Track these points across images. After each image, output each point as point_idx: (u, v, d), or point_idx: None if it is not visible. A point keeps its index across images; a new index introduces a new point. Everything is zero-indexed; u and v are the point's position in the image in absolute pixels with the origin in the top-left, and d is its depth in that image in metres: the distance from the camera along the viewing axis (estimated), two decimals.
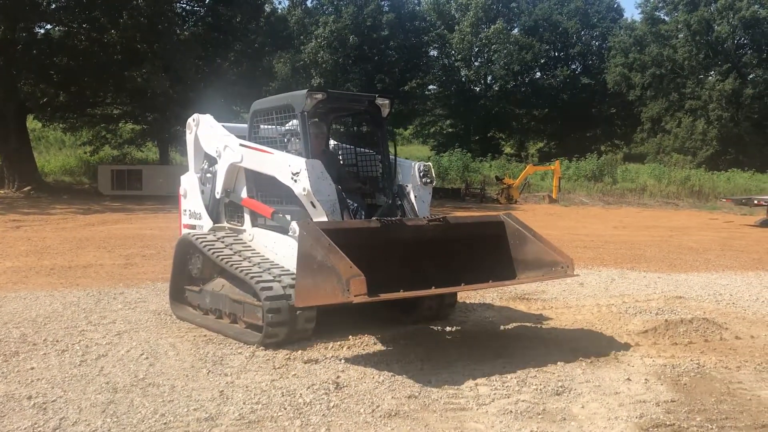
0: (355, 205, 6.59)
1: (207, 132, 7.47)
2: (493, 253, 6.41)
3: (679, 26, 48.46)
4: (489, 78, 56.54)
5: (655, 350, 6.13)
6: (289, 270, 6.03)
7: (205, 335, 6.37)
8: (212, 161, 7.43)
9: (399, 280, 5.42)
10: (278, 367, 5.38)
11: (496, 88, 56.31)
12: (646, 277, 10.56)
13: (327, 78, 44.09)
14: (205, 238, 6.88)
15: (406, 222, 6.06)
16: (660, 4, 51.43)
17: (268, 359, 5.60)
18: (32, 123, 35.89)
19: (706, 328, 6.81)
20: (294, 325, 5.86)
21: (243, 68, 34.94)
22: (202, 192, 7.59)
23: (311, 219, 5.93)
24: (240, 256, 6.44)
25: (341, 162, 7.38)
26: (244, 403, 4.58)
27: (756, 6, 45.48)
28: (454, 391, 4.89)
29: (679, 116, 48.06)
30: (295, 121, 6.64)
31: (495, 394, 4.85)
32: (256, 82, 35.21)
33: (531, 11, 57.70)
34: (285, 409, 4.50)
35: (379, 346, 6.05)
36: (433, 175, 6.92)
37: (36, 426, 4.16)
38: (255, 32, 35.03)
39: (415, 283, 5.60)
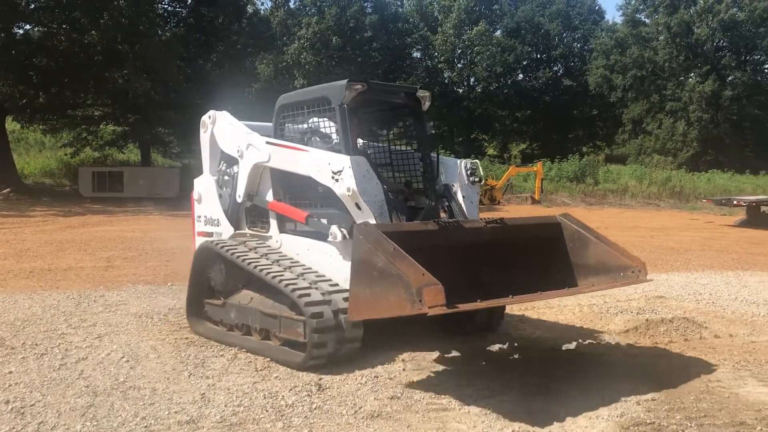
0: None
1: (225, 130, 6.92)
2: (551, 257, 5.97)
3: (659, 28, 48.94)
4: (472, 80, 56.68)
5: (636, 349, 6.18)
6: (331, 279, 5.59)
7: (186, 338, 6.33)
8: (231, 162, 6.90)
9: (460, 287, 4.80)
10: (260, 370, 5.36)
11: (479, 90, 56.46)
12: None
13: (310, 79, 43.93)
14: (234, 247, 6.21)
15: (463, 224, 5.63)
16: (641, 7, 51.94)
17: (250, 361, 5.58)
18: (11, 124, 35.46)
19: (686, 328, 6.88)
20: (341, 343, 5.32)
21: (225, 69, 34.80)
22: (220, 196, 7.05)
23: (356, 222, 5.36)
24: (279, 265, 5.81)
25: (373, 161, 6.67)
26: (225, 406, 4.55)
27: (735, 9, 46.05)
28: (437, 391, 4.90)
29: (660, 118, 48.52)
30: (315, 119, 6.22)
31: (478, 394, 4.86)
32: (239, 83, 35.07)
33: (513, 13, 57.94)
34: (267, 411, 4.49)
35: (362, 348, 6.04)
36: (481, 173, 6.49)
37: (14, 430, 4.11)
38: (237, 33, 34.89)
39: (475, 290, 4.99)
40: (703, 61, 47.45)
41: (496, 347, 6.21)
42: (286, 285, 5.40)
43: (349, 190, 5.40)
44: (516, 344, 6.34)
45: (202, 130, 7.24)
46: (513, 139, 61.01)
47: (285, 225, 6.26)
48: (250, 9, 36.98)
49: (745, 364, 5.79)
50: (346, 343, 5.34)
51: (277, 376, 5.19)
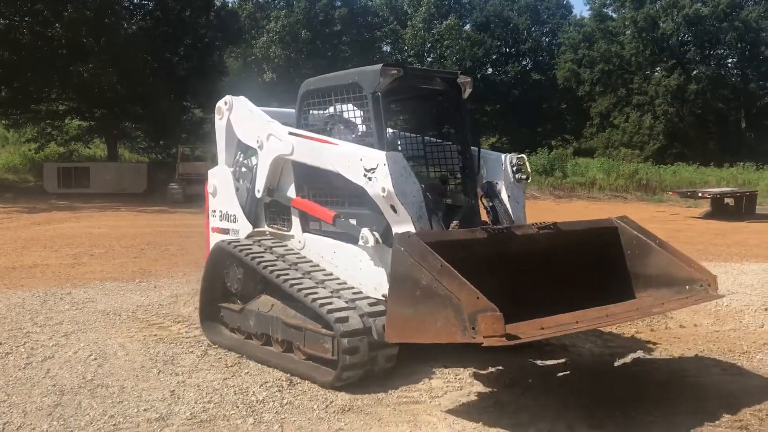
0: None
1: (243, 117, 6.34)
2: (608, 266, 5.33)
3: (626, 23, 49.55)
4: None
5: (602, 340, 6.27)
6: (357, 288, 5.13)
7: (155, 335, 6.27)
8: (249, 153, 6.44)
9: (513, 304, 4.16)
10: (231, 366, 5.34)
11: None
12: None
13: (279, 73, 43.68)
14: (249, 248, 5.73)
15: (515, 230, 4.98)
16: (608, 2, 52.46)
17: (220, 357, 5.55)
18: None
19: (652, 318, 7.00)
20: (374, 364, 4.83)
21: (193, 63, 34.43)
22: (237, 189, 6.52)
23: (391, 226, 4.95)
24: (298, 270, 5.34)
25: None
26: (195, 402, 4.53)
27: (698, 4, 46.78)
28: (408, 385, 4.92)
29: (626, 111, 49.16)
30: (338, 105, 5.70)
31: (448, 386, 4.89)
32: (207, 77, 34.72)
33: (483, 7, 58.21)
34: (238, 407, 4.47)
35: None
36: (529, 169, 5.86)
37: None
38: (205, 26, 34.53)
39: (530, 307, 4.39)
40: (668, 55, 48.16)
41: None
42: (322, 305, 4.87)
43: (384, 190, 4.83)
44: None
45: (217, 117, 6.73)
46: (482, 132, 61.31)
47: (309, 224, 5.77)
48: (217, 2, 36.58)
49: (709, 353, 5.92)
50: (381, 362, 4.86)
51: (247, 372, 5.18)
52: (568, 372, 5.39)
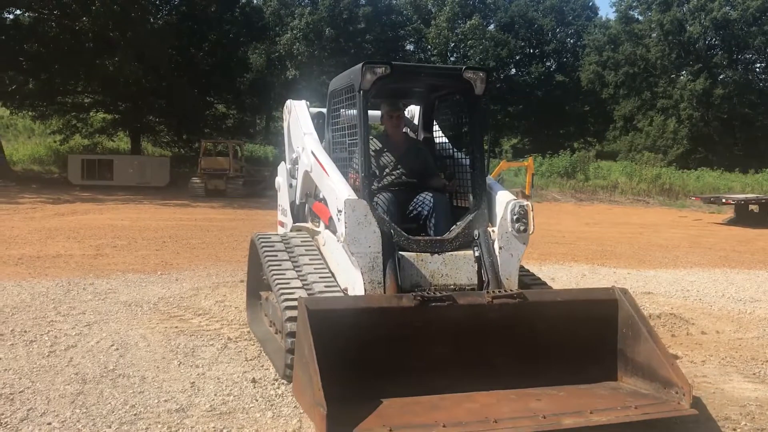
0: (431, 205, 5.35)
1: (296, 124, 6.41)
2: (590, 344, 4.59)
3: (652, 26, 49.07)
4: None
5: None
6: (342, 285, 5.02)
7: (176, 327, 6.33)
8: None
9: (444, 375, 4.21)
10: (250, 359, 5.37)
11: None
12: (616, 272, 10.71)
13: (302, 70, 43.82)
14: (268, 237, 5.87)
15: (457, 299, 4.38)
16: (634, 4, 51.99)
17: (240, 351, 5.59)
18: (0, 110, 35.23)
19: (674, 324, 6.94)
20: None
21: (217, 58, 34.67)
22: (291, 186, 6.78)
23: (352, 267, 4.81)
24: (291, 263, 5.37)
25: (430, 150, 6.09)
26: (215, 395, 4.56)
27: (727, 7, 46.22)
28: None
29: (650, 115, 48.73)
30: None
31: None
32: (231, 73, 34.97)
33: (507, 7, 57.96)
34: (257, 400, 4.50)
35: None
36: (532, 221, 5.10)
37: (3, 417, 4.10)
38: (230, 22, 34.80)
39: (473, 380, 4.22)
40: (694, 59, 47.65)
41: None
42: (279, 287, 4.92)
43: (341, 235, 4.77)
44: None
45: (284, 118, 6.94)
46: (504, 133, 61.10)
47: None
48: None
49: (731, 360, 5.85)
50: None
51: (267, 366, 5.20)
52: None
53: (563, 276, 10.07)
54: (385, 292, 4.62)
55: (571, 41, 60.27)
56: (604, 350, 4.60)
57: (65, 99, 32.58)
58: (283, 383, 4.80)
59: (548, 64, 59.87)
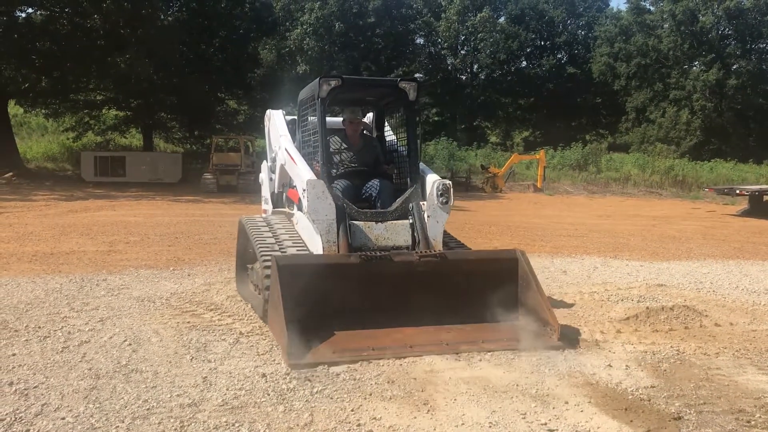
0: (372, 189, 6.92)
1: (275, 128, 7.95)
2: (494, 292, 5.92)
3: (664, 16, 48.64)
4: (475, 66, 56.40)
5: (636, 337, 6.20)
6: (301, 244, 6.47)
7: (188, 322, 6.36)
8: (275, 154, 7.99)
9: (382, 314, 5.53)
10: (262, 354, 5.39)
11: (483, 77, 56.22)
12: (629, 265, 10.65)
13: (313, 65, 43.80)
14: (253, 218, 7.42)
15: (393, 257, 5.79)
16: None
17: (252, 345, 5.61)
18: (14, 108, 35.46)
19: (687, 316, 6.90)
20: None
21: (228, 54, 34.71)
22: (271, 180, 8.28)
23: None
24: (270, 233, 6.75)
25: (381, 145, 7.68)
26: (227, 389, 4.58)
27: None
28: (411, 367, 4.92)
29: (663, 106, 48.31)
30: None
31: (451, 367, 4.87)
32: (242, 69, 35.01)
33: (517, 0, 57.63)
34: (268, 394, 4.51)
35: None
36: (452, 195, 6.65)
37: (18, 412, 4.14)
38: (240, 18, 34.81)
39: (404, 318, 5.60)
40: (707, 49, 47.17)
41: None
42: (258, 245, 6.30)
43: (305, 208, 6.22)
44: None
45: (265, 124, 8.58)
46: (516, 126, 60.87)
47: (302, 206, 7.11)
48: None
49: (745, 353, 5.81)
50: None
51: (278, 361, 5.22)
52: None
53: (575, 269, 10.03)
54: (339, 252, 5.97)
55: (583, 33, 59.81)
56: (506, 297, 5.94)
57: (77, 96, 32.74)
58: (294, 377, 4.83)
59: (559, 56, 59.47)
